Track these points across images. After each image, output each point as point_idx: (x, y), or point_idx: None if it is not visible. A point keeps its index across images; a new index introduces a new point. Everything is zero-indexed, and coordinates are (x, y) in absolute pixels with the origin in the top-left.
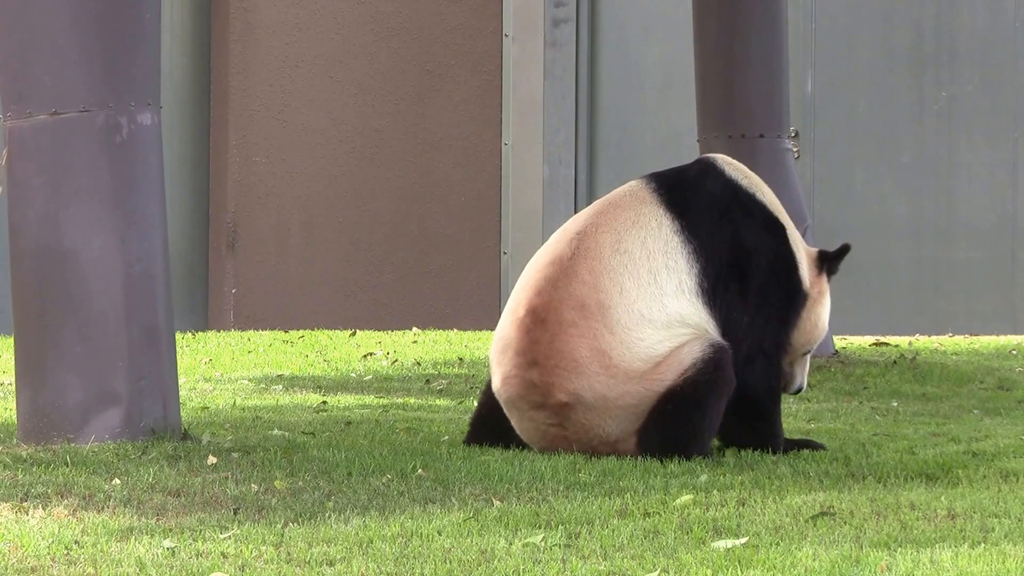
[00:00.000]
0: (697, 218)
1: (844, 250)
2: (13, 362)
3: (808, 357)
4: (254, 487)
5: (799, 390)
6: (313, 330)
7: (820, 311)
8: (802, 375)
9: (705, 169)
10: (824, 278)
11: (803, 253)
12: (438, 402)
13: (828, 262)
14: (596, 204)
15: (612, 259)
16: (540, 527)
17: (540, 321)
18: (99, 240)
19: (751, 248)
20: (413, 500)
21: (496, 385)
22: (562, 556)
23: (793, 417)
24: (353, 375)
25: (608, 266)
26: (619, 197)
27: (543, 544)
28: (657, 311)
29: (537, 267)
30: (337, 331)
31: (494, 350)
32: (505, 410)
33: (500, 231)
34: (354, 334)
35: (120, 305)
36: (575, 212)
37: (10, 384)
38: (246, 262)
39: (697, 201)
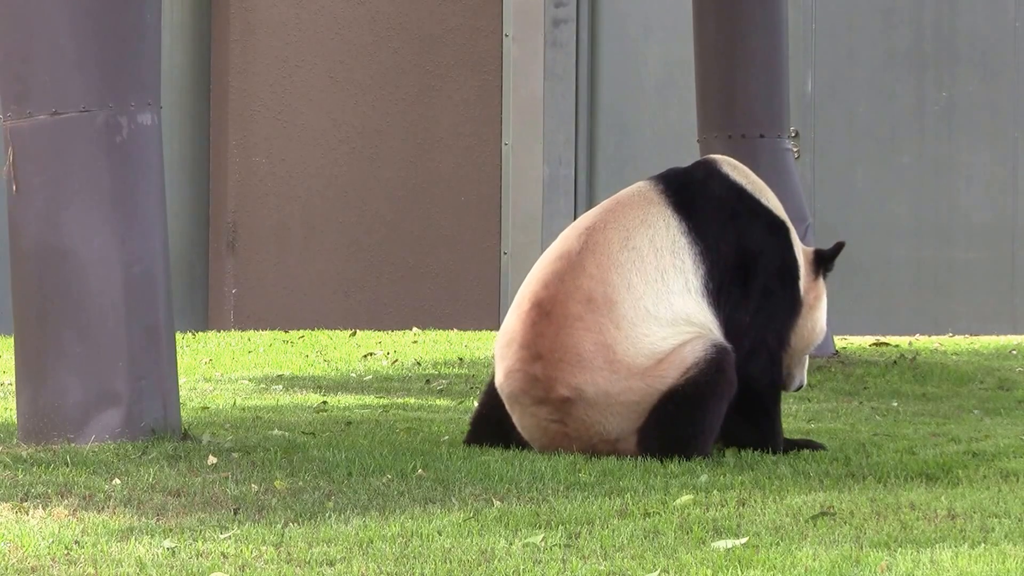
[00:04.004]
0: (704, 221)
1: (838, 248)
2: (13, 362)
3: (807, 357)
4: (254, 487)
5: (800, 387)
6: (313, 330)
7: (817, 316)
8: (801, 373)
9: (710, 172)
10: (820, 281)
11: (802, 257)
12: (438, 402)
13: (824, 263)
14: (604, 203)
15: (620, 255)
16: (540, 527)
17: (546, 314)
18: (99, 240)
19: (756, 251)
20: (413, 500)
21: (499, 380)
22: (562, 556)
23: (793, 417)
24: (353, 375)
25: (616, 261)
26: (627, 196)
27: (543, 544)
28: (664, 308)
29: (545, 262)
30: (337, 331)
31: (498, 344)
32: (507, 406)
33: (500, 231)
34: (354, 334)
35: (120, 305)
36: (575, 212)
37: (10, 384)
38: (246, 262)
39: (704, 204)
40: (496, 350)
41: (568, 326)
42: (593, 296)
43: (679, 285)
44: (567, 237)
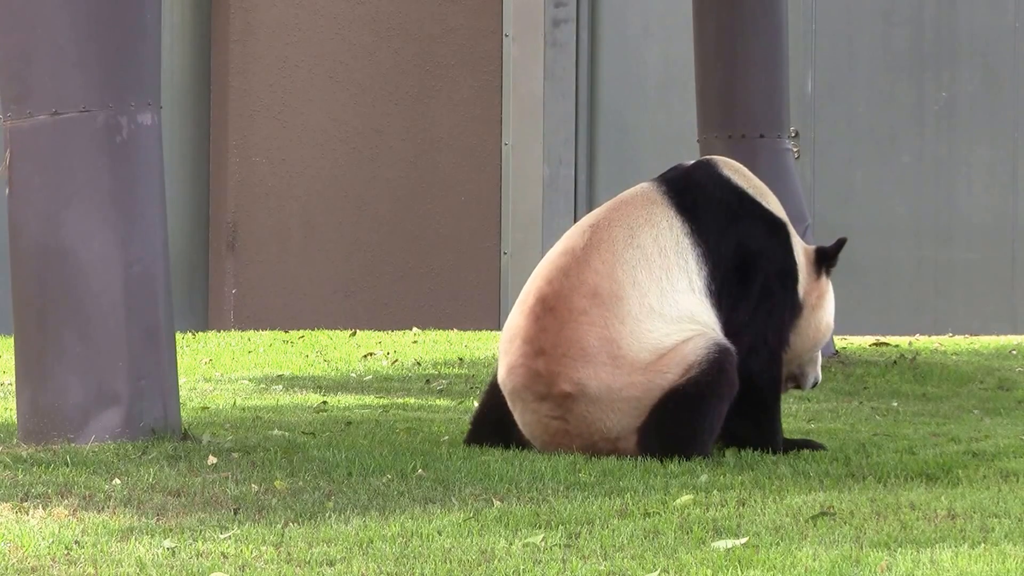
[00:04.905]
0: (706, 223)
1: (840, 245)
2: (13, 362)
3: (819, 354)
4: (254, 487)
5: (815, 384)
6: (313, 330)
7: (821, 314)
8: (815, 371)
9: (710, 174)
10: (823, 279)
11: (803, 259)
12: (438, 402)
13: (826, 260)
14: (608, 203)
15: (626, 252)
16: (540, 527)
17: (550, 309)
18: (99, 240)
19: (756, 252)
20: (413, 500)
21: (501, 376)
22: (562, 556)
23: (793, 417)
24: (353, 375)
25: (622, 258)
26: (630, 196)
27: (543, 544)
28: (669, 306)
29: (549, 259)
30: (337, 331)
31: (502, 340)
32: (509, 402)
33: (500, 231)
34: (354, 334)
35: (120, 305)
36: (575, 212)
37: (10, 384)
38: (246, 262)
39: (705, 206)
40: (500, 345)
41: (572, 321)
42: (599, 291)
43: (684, 284)
44: (571, 235)
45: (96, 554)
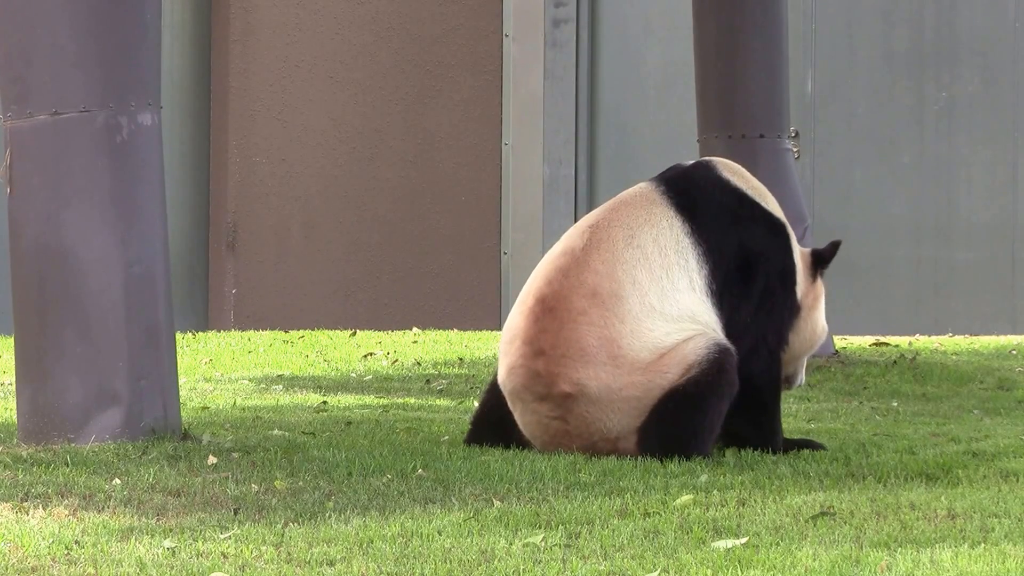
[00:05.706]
0: (706, 223)
1: (835, 248)
2: (13, 362)
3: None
4: (254, 487)
5: (799, 385)
6: (313, 330)
7: (817, 316)
8: (802, 372)
9: (709, 175)
10: (819, 281)
11: (800, 259)
12: (438, 402)
13: (822, 263)
14: (607, 203)
15: (626, 252)
16: (540, 527)
17: (549, 310)
18: (99, 240)
19: (757, 253)
20: (413, 500)
21: (501, 377)
22: (562, 556)
23: (793, 417)
24: (353, 375)
25: (622, 258)
26: (629, 196)
27: (543, 544)
28: (669, 305)
29: (549, 259)
30: (337, 331)
31: (502, 340)
32: (509, 403)
33: (500, 231)
34: (354, 334)
35: (120, 305)
36: (575, 212)
37: (10, 384)
38: (246, 262)
39: (706, 207)
40: (500, 346)
41: (572, 321)
42: (598, 291)
43: (684, 283)
44: (570, 235)
45: (96, 554)
